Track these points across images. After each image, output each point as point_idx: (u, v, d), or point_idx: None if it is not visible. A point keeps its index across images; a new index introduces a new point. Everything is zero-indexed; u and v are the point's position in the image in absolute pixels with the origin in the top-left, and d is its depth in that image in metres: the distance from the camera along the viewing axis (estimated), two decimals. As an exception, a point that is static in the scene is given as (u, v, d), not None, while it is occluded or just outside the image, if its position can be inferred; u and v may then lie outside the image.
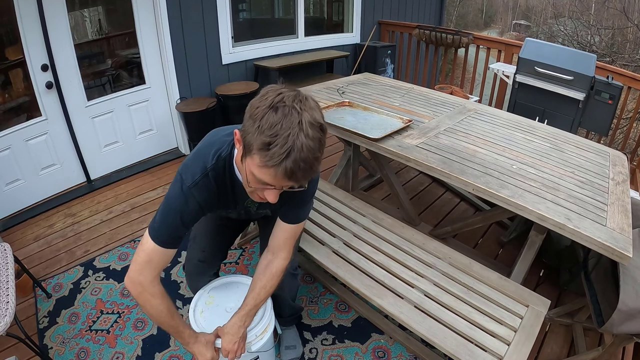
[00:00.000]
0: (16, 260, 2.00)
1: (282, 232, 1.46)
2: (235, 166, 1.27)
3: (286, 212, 1.43)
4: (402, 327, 2.03)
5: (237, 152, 1.15)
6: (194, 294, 1.69)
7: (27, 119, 3.04)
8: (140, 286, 1.29)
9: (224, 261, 2.50)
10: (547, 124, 2.58)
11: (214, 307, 1.57)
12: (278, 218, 1.46)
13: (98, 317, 2.19)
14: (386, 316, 2.11)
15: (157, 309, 1.31)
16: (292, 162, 0.96)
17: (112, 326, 2.14)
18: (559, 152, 2.07)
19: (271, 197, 1.10)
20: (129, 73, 3.65)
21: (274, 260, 1.49)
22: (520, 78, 3.54)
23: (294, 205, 1.39)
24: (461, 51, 4.79)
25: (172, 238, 1.27)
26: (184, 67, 3.74)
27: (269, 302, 1.66)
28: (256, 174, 1.03)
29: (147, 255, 1.27)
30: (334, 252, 1.87)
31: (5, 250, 1.92)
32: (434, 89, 3.25)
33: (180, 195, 1.24)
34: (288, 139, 0.95)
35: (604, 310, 1.65)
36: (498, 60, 4.38)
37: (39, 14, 2.79)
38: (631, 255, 1.39)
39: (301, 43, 4.86)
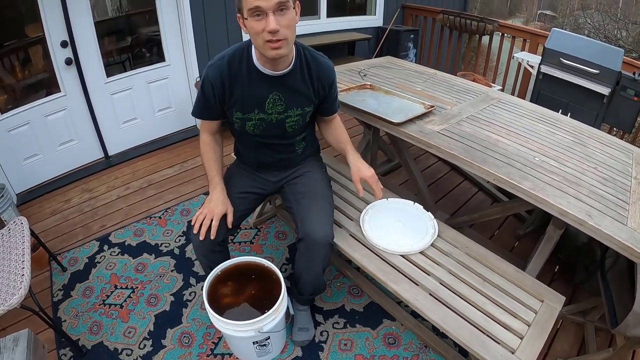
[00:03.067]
0: (32, 233, 2.03)
1: (326, 118, 1.87)
2: (253, 56, 1.55)
3: (325, 108, 1.79)
4: (414, 315, 2.03)
5: (243, 28, 1.44)
6: (203, 268, 1.85)
7: (47, 95, 3.07)
8: (200, 135, 1.80)
9: (239, 240, 2.55)
10: (570, 117, 2.52)
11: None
12: (320, 117, 1.87)
13: (112, 292, 2.22)
14: (398, 303, 2.11)
15: (202, 149, 1.76)
16: None
17: (125, 301, 2.16)
18: (582, 146, 2.02)
19: (271, 23, 1.33)
20: (149, 50, 3.65)
21: (331, 121, 1.88)
22: (545, 69, 3.45)
23: (329, 101, 1.77)
24: (485, 39, 4.69)
25: (198, 109, 1.69)
26: (204, 45, 3.71)
27: (283, 284, 1.67)
28: (247, 6, 1.33)
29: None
30: (350, 235, 1.86)
31: (22, 223, 1.93)
32: (456, 76, 3.19)
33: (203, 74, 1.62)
34: None
35: (618, 311, 1.62)
36: (522, 50, 4.28)
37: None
38: (651, 257, 1.35)
39: (323, 24, 4.81)
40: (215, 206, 1.64)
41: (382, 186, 1.75)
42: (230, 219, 1.66)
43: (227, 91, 1.58)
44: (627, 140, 3.48)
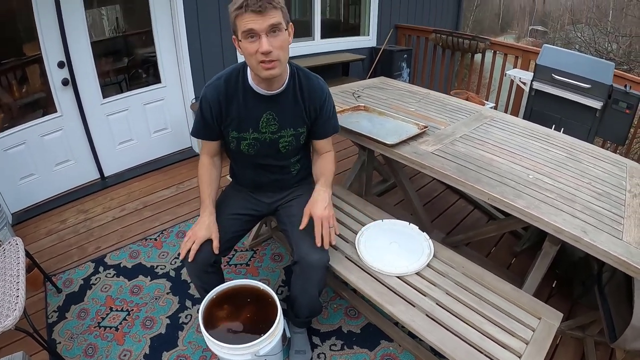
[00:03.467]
0: (27, 254, 2.02)
1: (320, 144, 1.82)
2: (248, 76, 1.59)
3: (315, 131, 1.76)
4: (412, 335, 2.01)
5: (238, 49, 1.47)
6: (198, 291, 1.87)
7: (43, 115, 3.08)
8: (200, 156, 1.81)
9: (234, 262, 2.54)
10: (563, 132, 2.54)
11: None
12: (314, 143, 1.83)
13: (107, 314, 2.20)
14: (396, 323, 2.09)
15: (199, 171, 1.77)
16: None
17: (120, 323, 2.14)
18: (576, 162, 2.03)
19: (264, 45, 1.38)
20: (145, 72, 3.68)
21: (322, 154, 1.84)
22: (537, 85, 3.49)
23: (320, 123, 1.74)
24: (477, 56, 4.75)
25: (197, 129, 1.71)
26: (199, 67, 3.75)
27: (279, 307, 1.66)
28: (241, 28, 1.38)
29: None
30: (346, 257, 1.85)
31: (17, 244, 1.94)
32: (449, 94, 3.22)
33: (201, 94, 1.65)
34: None
35: (617, 325, 1.61)
36: (515, 67, 4.34)
37: (56, 11, 2.82)
38: (647, 271, 1.35)
39: (317, 45, 4.87)
40: (199, 230, 1.64)
41: (333, 239, 1.65)
42: (215, 244, 1.64)
43: (223, 110, 1.61)
44: (621, 153, 3.52)
